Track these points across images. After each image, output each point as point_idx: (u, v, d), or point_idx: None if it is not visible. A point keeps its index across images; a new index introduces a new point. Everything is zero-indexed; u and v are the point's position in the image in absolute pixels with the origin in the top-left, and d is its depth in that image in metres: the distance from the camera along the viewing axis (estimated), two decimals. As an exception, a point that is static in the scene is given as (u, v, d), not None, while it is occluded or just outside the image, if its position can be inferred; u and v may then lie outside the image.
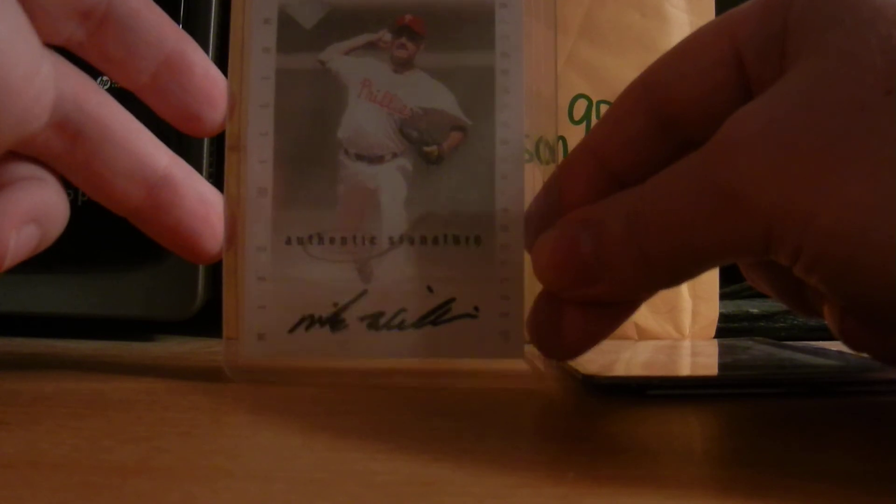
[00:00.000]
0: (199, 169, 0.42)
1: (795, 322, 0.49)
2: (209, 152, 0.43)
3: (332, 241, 0.30)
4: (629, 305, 0.28)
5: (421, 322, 0.29)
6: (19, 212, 0.25)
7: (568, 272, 0.26)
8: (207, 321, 0.44)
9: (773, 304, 0.51)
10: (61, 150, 0.26)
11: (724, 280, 0.47)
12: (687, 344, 0.44)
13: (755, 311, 0.49)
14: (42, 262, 0.42)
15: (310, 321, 0.30)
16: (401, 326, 0.29)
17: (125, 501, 0.17)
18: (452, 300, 0.29)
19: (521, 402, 0.28)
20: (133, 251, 0.42)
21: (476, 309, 0.29)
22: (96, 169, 0.27)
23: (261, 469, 0.19)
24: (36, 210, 0.25)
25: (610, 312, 0.27)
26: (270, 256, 0.30)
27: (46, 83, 0.25)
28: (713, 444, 0.24)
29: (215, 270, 0.44)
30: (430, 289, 0.29)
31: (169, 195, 0.28)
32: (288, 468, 0.19)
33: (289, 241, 0.30)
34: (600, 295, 0.26)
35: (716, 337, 0.46)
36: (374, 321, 0.30)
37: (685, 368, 0.37)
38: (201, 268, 0.42)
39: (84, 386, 0.29)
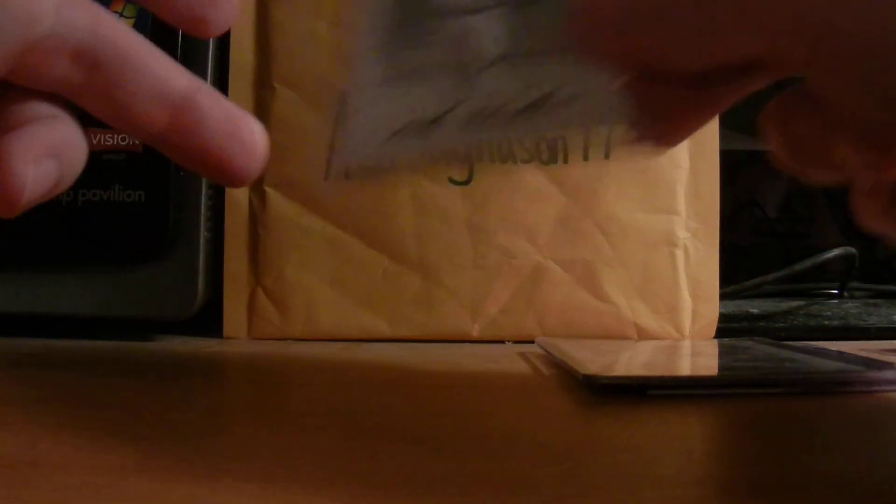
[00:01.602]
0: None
1: (795, 322, 0.49)
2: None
3: (429, 73, 0.30)
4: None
5: (525, 109, 0.29)
6: (37, 146, 0.25)
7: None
8: (207, 321, 0.44)
9: (773, 304, 0.51)
10: (81, 81, 0.26)
11: (724, 280, 0.47)
12: (687, 344, 0.44)
13: (755, 311, 0.49)
14: (42, 262, 0.42)
15: (409, 126, 0.30)
16: (501, 115, 0.30)
17: (125, 501, 0.17)
18: (558, 88, 0.29)
19: (521, 402, 0.28)
20: (133, 251, 0.42)
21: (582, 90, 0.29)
22: (117, 95, 0.27)
23: (261, 469, 0.19)
24: (54, 145, 0.25)
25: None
26: (372, 90, 0.30)
27: None
28: (713, 444, 0.24)
29: (215, 270, 0.44)
30: (533, 87, 0.29)
31: (193, 115, 0.27)
32: (288, 468, 0.19)
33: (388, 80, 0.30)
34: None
35: (716, 337, 0.46)
36: (473, 118, 0.30)
37: (685, 368, 0.37)
38: (201, 268, 0.42)
39: (84, 386, 0.29)
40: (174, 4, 0.28)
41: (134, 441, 0.21)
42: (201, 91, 0.28)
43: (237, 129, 0.28)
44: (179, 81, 0.28)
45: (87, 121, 0.38)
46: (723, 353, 0.39)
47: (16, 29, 0.24)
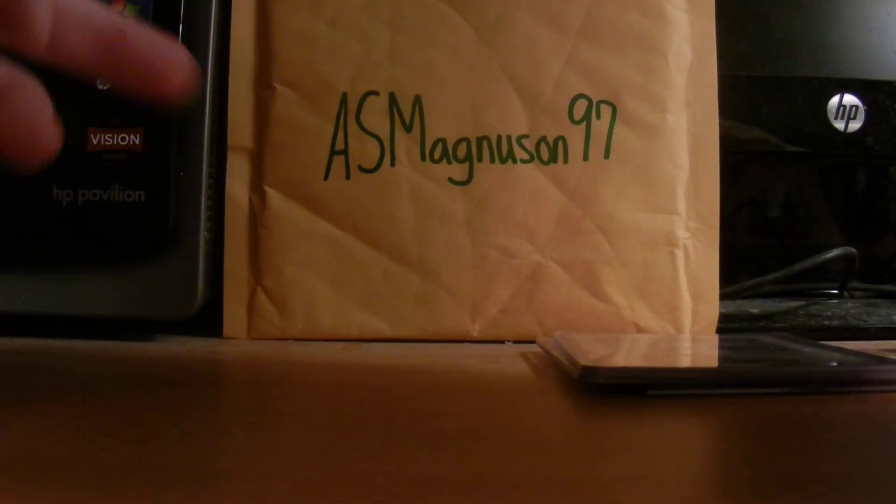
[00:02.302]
0: (198, 168, 0.42)
1: (795, 322, 0.49)
2: (209, 152, 0.43)
3: None
4: None
5: None
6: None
7: None
8: (207, 321, 0.44)
9: (773, 304, 0.51)
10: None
11: (724, 280, 0.47)
12: (688, 337, 0.44)
13: (755, 311, 0.49)
14: (42, 262, 0.42)
15: None
16: None
17: (125, 501, 0.17)
18: None
19: (521, 402, 0.28)
20: (133, 251, 0.42)
21: None
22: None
23: (261, 469, 0.19)
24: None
25: None
26: None
27: None
28: (713, 444, 0.24)
29: (215, 270, 0.44)
30: None
31: (121, 43, 0.28)
32: (288, 468, 0.19)
33: None
34: None
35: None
36: None
37: (685, 362, 0.37)
38: (201, 268, 0.42)
39: (84, 386, 0.29)
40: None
41: (134, 441, 0.21)
42: (127, 22, 0.28)
43: (162, 52, 0.28)
44: (108, 17, 0.28)
45: (87, 121, 0.38)
46: (723, 347, 0.39)
47: None
